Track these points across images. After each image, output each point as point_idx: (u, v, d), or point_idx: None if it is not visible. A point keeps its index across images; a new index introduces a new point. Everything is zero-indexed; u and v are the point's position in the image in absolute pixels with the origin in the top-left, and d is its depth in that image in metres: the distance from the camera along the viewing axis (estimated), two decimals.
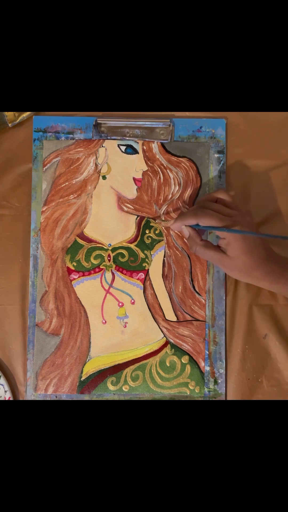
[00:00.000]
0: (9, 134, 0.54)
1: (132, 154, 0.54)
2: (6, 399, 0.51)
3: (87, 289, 0.52)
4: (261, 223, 0.53)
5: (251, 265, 0.45)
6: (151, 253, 0.53)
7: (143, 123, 0.53)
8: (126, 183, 0.53)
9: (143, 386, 0.51)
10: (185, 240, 0.52)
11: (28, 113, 0.54)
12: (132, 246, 0.53)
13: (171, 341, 0.52)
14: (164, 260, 0.53)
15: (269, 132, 0.54)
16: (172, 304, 0.52)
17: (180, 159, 0.53)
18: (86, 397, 0.51)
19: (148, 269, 0.52)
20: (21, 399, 0.52)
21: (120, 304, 0.52)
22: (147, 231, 0.53)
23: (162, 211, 0.53)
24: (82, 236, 0.53)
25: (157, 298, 0.52)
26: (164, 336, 0.52)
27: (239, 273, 0.47)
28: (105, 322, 0.52)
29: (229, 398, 0.51)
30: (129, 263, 0.53)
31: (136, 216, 0.53)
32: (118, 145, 0.54)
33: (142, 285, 0.52)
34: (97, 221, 0.53)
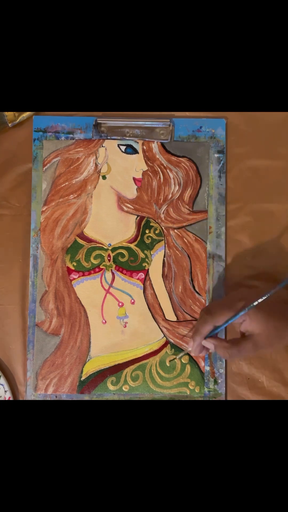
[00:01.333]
0: (9, 134, 0.54)
1: (132, 154, 0.54)
2: (6, 399, 0.51)
3: (87, 289, 0.52)
4: (260, 223, 0.53)
5: (280, 324, 0.43)
6: (151, 253, 0.53)
7: (143, 123, 0.53)
8: (126, 183, 0.53)
9: (143, 386, 0.51)
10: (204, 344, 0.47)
11: (28, 113, 0.54)
12: (132, 246, 0.53)
13: (171, 341, 0.52)
14: (164, 260, 0.53)
15: (269, 132, 0.54)
16: (172, 304, 0.52)
17: (180, 159, 0.53)
18: (86, 397, 0.51)
19: (148, 269, 0.52)
20: (21, 399, 0.52)
21: (120, 304, 0.52)
22: (147, 231, 0.53)
23: (162, 211, 0.53)
24: (82, 236, 0.53)
25: (157, 298, 0.52)
26: (164, 336, 0.52)
27: (279, 340, 0.44)
28: (105, 322, 0.52)
29: (229, 398, 0.51)
30: (129, 263, 0.53)
31: (136, 216, 0.53)
32: (118, 145, 0.54)
33: (142, 285, 0.52)
34: (97, 221, 0.53)
